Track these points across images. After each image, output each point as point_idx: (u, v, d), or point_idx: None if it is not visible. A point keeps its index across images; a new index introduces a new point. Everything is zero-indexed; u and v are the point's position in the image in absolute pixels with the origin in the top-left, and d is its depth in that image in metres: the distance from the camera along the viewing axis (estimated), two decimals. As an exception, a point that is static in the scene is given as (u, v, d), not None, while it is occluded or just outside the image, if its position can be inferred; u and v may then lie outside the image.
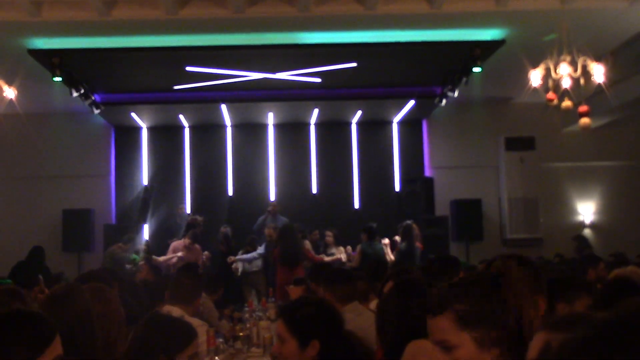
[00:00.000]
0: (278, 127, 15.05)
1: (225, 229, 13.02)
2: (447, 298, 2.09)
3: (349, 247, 12.12)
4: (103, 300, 3.58)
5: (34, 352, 2.25)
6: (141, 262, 11.24)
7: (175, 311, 4.45)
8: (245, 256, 12.24)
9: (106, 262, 11.87)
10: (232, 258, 12.21)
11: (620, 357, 1.12)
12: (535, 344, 1.46)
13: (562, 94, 8.49)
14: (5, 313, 2.36)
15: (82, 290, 3.46)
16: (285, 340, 3.10)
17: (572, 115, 9.54)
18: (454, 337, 2.02)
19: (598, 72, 8.19)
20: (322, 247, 12.59)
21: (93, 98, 12.24)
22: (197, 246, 12.12)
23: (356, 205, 14.93)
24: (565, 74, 8.18)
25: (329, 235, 12.06)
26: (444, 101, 12.64)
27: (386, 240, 11.55)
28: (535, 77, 8.50)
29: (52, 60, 10.29)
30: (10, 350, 2.22)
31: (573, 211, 14.83)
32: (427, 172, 14.84)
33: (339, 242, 12.54)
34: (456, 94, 11.93)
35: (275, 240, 11.44)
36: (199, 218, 13.00)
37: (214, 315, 6.86)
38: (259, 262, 12.27)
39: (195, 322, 4.60)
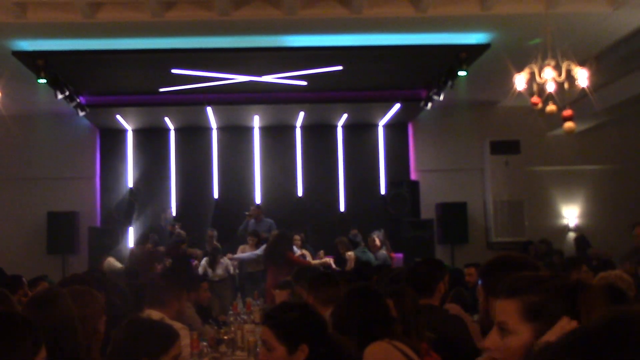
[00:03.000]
0: (264, 129, 15.03)
1: (212, 232, 12.98)
2: (524, 285, 2.11)
3: (321, 251, 12.18)
4: (84, 304, 3.57)
5: (31, 354, 2.26)
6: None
7: (155, 315, 4.44)
8: (242, 255, 12.16)
9: (131, 263, 11.76)
10: (230, 256, 12.15)
11: None
12: None
13: (547, 98, 8.51)
14: (1, 315, 2.36)
15: (64, 294, 3.45)
16: (272, 348, 3.06)
17: (557, 119, 9.57)
18: (513, 324, 2.04)
19: (582, 77, 8.23)
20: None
21: (78, 100, 12.18)
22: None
23: (342, 208, 14.94)
24: (549, 78, 8.21)
25: (297, 239, 12.00)
26: (429, 104, 12.67)
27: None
28: (520, 81, 8.52)
29: (36, 62, 10.24)
30: (12, 351, 2.23)
31: (558, 214, 14.90)
32: (413, 175, 14.88)
33: (323, 245, 12.58)
34: (442, 97, 11.97)
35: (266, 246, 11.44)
36: (183, 232, 12.88)
37: (197, 321, 6.81)
38: (220, 271, 12.17)
39: (176, 325, 4.59)
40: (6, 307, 4.36)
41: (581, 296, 2.04)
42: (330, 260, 11.75)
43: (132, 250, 12.89)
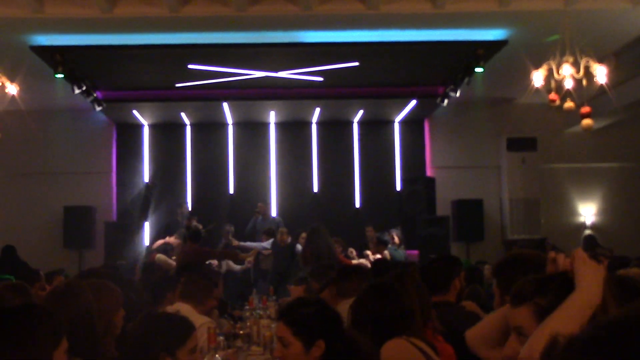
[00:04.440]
0: (279, 125, 15.04)
1: (230, 228, 13.00)
2: (530, 290, 2.13)
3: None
4: (100, 297, 3.59)
5: (52, 346, 2.28)
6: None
7: (185, 308, 4.48)
8: (251, 243, 12.22)
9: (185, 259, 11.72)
10: (236, 243, 12.21)
11: (626, 357, 1.11)
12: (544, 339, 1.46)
13: (565, 95, 8.47)
14: (23, 307, 2.37)
15: (84, 287, 3.47)
16: (289, 344, 3.02)
17: (574, 116, 9.51)
18: (529, 328, 2.06)
19: (601, 74, 8.17)
20: None
21: (95, 95, 12.23)
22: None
23: (357, 204, 14.92)
24: (567, 74, 8.16)
25: (303, 237, 11.99)
26: (445, 101, 12.62)
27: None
28: (538, 77, 8.48)
29: (54, 57, 10.29)
30: (34, 342, 2.24)
31: (574, 212, 14.81)
32: (429, 172, 14.83)
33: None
34: (458, 93, 11.93)
35: (305, 241, 11.43)
36: (199, 225, 12.82)
37: (214, 314, 6.84)
38: (225, 266, 12.16)
39: (202, 319, 4.63)
40: (25, 300, 4.39)
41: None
42: (366, 262, 11.75)
43: (183, 247, 12.50)
